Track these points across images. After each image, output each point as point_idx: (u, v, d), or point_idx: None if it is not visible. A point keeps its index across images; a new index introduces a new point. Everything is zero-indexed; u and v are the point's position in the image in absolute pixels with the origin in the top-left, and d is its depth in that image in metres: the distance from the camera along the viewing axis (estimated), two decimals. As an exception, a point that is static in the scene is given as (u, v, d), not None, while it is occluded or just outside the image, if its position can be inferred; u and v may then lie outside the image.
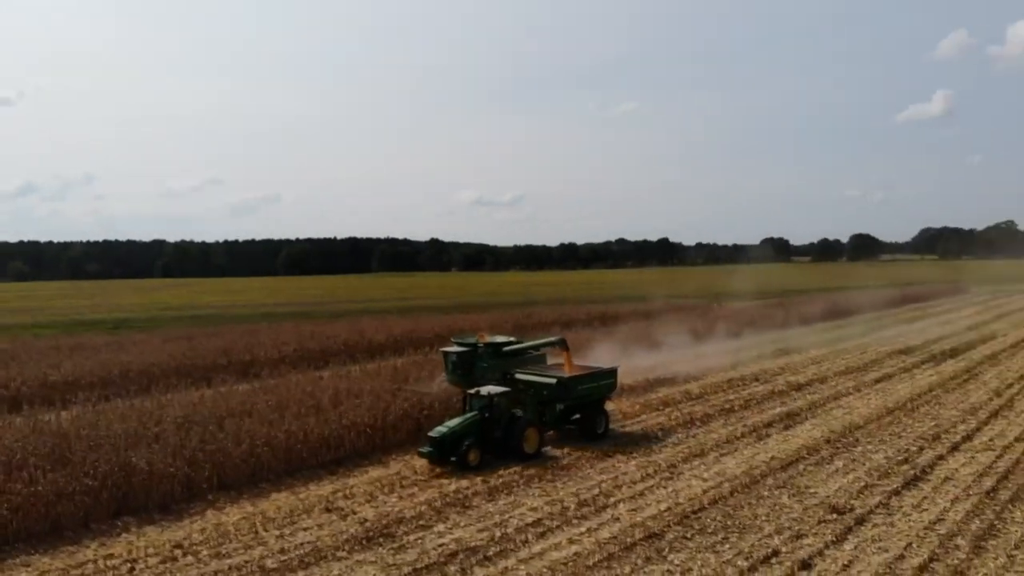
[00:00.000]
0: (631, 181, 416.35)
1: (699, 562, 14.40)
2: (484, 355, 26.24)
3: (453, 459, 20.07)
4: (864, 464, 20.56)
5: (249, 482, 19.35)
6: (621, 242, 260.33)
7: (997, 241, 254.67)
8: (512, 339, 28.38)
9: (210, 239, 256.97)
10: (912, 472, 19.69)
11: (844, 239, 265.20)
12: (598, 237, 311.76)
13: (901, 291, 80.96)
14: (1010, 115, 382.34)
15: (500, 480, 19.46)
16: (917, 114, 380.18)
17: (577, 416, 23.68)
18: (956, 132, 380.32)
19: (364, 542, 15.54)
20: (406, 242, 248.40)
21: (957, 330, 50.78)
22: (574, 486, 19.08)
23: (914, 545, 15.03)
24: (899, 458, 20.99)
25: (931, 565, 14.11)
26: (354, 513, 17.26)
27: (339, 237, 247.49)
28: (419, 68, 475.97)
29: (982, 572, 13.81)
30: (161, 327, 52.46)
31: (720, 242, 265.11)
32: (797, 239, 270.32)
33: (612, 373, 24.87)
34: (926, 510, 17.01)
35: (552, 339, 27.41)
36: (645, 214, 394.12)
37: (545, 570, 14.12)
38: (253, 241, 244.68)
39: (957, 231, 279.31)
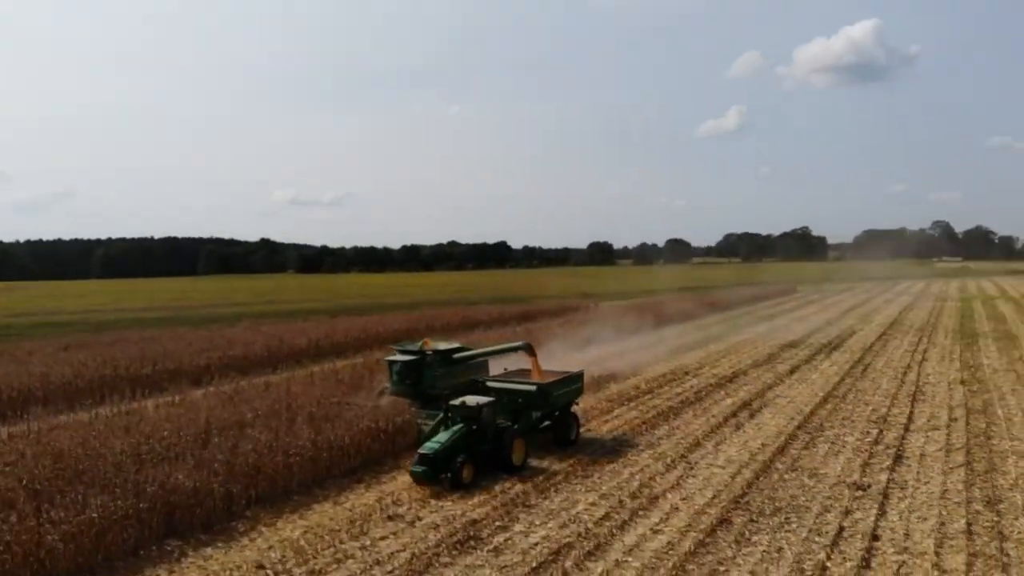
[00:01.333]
0: (459, 184, 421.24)
1: (784, 541, 15.45)
2: (433, 363, 24.54)
3: (444, 476, 18.77)
4: (844, 447, 22.68)
5: (283, 495, 18.20)
6: (453, 244, 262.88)
7: (794, 245, 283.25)
8: (459, 345, 26.99)
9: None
10: (892, 451, 22.03)
11: (651, 243, 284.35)
12: (422, 239, 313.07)
13: (753, 291, 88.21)
14: (795, 130, 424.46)
15: (542, 480, 19.63)
16: (715, 128, 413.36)
17: (547, 423, 22.94)
18: (749, 145, 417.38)
19: (458, 546, 15.23)
20: (234, 242, 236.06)
21: (818, 325, 56.41)
22: (611, 480, 19.62)
23: (945, 512, 17.00)
24: (870, 439, 23.36)
25: (972, 528, 16.05)
26: (419, 519, 16.79)
27: (156, 236, 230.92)
28: (239, 62, 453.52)
29: (1015, 529, 15.93)
30: (30, 335, 46.84)
31: (545, 245, 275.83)
32: (618, 243, 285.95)
33: (580, 377, 24.84)
34: (929, 482, 19.18)
35: (516, 344, 26.47)
36: (473, 217, 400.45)
37: (654, 560, 14.59)
38: (60, 240, 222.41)
39: (755, 236, 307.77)
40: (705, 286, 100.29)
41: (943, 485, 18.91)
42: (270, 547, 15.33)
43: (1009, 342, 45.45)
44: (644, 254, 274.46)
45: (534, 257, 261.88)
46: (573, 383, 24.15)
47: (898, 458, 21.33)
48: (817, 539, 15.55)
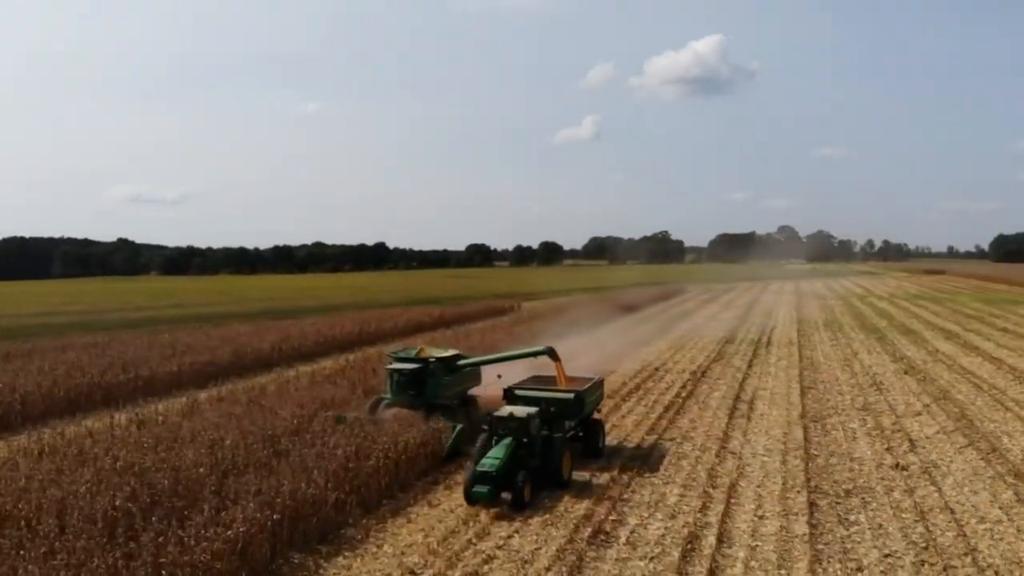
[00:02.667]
0: (321, 183, 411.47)
1: (882, 516, 16.74)
2: (437, 371, 23.44)
3: (505, 496, 17.38)
4: (854, 432, 24.55)
5: (376, 499, 17.62)
6: (319, 245, 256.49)
7: (656, 248, 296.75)
8: (458, 352, 25.89)
9: None
10: (900, 435, 24.09)
11: (526, 245, 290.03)
12: (275, 240, 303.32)
13: (652, 292, 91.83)
14: (647, 139, 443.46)
15: (616, 479, 20.04)
16: (572, 136, 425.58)
17: (579, 433, 21.88)
18: (604, 152, 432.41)
19: (592, 540, 15.44)
20: (89, 242, 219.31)
21: (733, 322, 59.80)
22: (678, 472, 20.33)
23: (992, 485, 18.90)
24: (870, 425, 25.40)
25: (1019, 496, 17.98)
26: (528, 520, 16.83)
27: None
28: (74, 53, 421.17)
29: (1058, 498, 18.00)
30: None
31: (419, 247, 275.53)
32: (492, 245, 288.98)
33: (602, 383, 24.62)
34: (953, 461, 21.19)
35: (538, 348, 25.19)
36: (339, 217, 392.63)
37: (781, 543, 15.41)
38: None
39: (619, 239, 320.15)
40: (605, 287, 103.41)
41: (970, 462, 20.93)
42: (402, 552, 14.93)
43: (915, 336, 50.09)
44: (520, 256, 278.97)
45: (412, 259, 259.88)
46: (597, 389, 23.69)
47: (911, 441, 23.34)
48: (904, 515, 16.92)
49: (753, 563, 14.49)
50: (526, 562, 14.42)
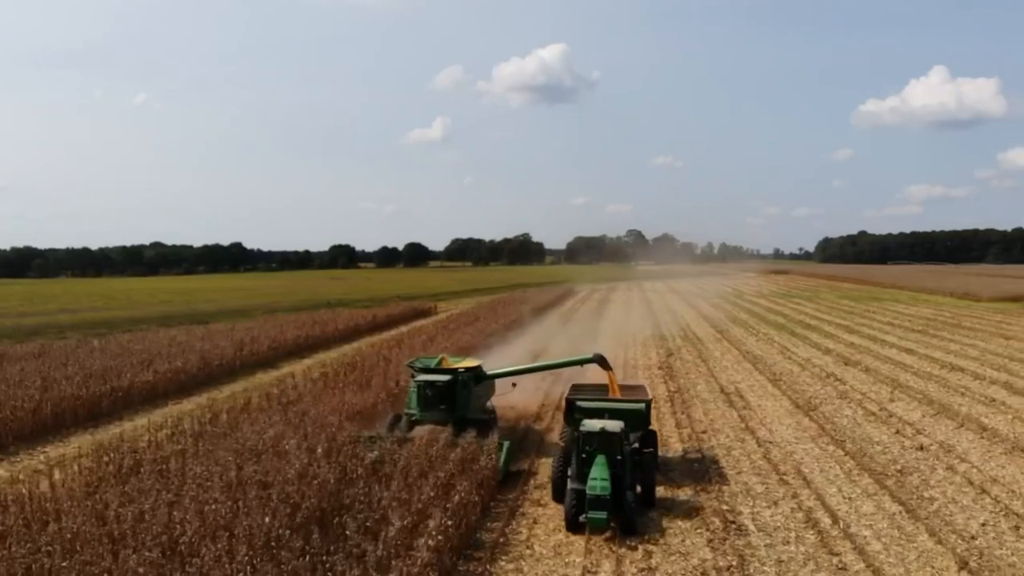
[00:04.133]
0: (160, 179, 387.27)
1: (948, 491, 18.57)
2: (468, 383, 22.17)
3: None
4: (854, 418, 26.74)
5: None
6: (157, 245, 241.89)
7: (518, 250, 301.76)
8: (476, 361, 24.39)
9: None
10: (892, 418, 26.49)
11: (391, 246, 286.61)
12: (105, 240, 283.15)
13: (548, 293, 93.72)
14: (495, 143, 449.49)
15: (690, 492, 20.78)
16: (421, 137, 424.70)
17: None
18: (454, 155, 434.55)
19: (738, 532, 16.14)
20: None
21: (644, 321, 62.20)
22: (745, 463, 21.47)
23: (1013, 454, 21.36)
24: (862, 412, 27.72)
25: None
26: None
27: None
28: None
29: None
30: None
31: (275, 247, 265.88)
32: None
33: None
34: (955, 438, 23.64)
35: (585, 356, 23.97)
36: (185, 216, 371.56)
37: (889, 520, 16.82)
38: None
39: (480, 241, 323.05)
40: (493, 287, 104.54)
41: (972, 441, 23.42)
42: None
43: (818, 330, 54.50)
44: (386, 257, 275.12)
45: (271, 260, 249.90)
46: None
47: (909, 424, 25.74)
48: (965, 488, 18.87)
49: (883, 538, 15.73)
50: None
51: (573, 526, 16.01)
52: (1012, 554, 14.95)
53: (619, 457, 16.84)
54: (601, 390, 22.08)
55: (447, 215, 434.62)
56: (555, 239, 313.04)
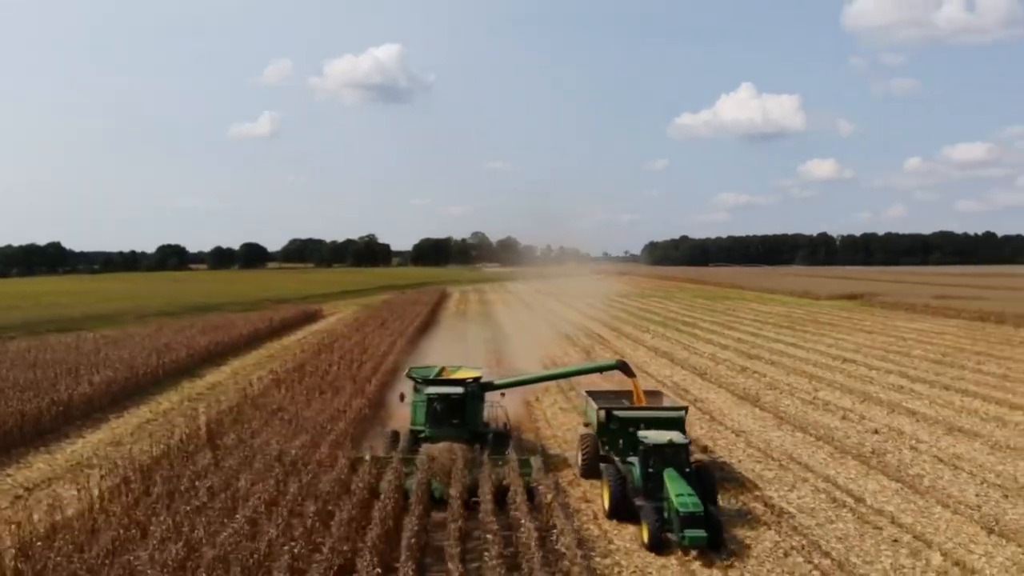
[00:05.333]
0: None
1: (924, 467, 20.84)
2: (477, 395, 21.31)
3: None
4: (798, 405, 29.12)
5: None
6: None
7: (363, 252, 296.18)
8: (477, 371, 23.62)
9: None
10: (825, 405, 29.09)
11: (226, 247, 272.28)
12: None
13: (426, 294, 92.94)
14: (328, 141, 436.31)
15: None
16: (248, 132, 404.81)
17: None
18: (285, 151, 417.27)
19: (773, 518, 17.27)
20: None
21: (544, 321, 63.86)
22: (749, 464, 22.86)
23: (943, 427, 24.25)
24: (802, 400, 30.22)
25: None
26: None
27: None
28: None
29: None
30: None
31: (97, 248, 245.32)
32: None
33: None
34: (898, 422, 26.46)
35: (607, 362, 23.24)
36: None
37: (898, 494, 18.72)
38: None
39: (321, 242, 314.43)
40: (360, 290, 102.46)
41: (912, 424, 26.24)
42: None
43: (695, 327, 58.46)
44: (220, 258, 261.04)
45: (93, 260, 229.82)
46: None
47: (847, 409, 28.42)
48: (939, 465, 21.29)
49: (906, 512, 17.54)
50: None
51: (656, 545, 15.33)
52: (1020, 517, 17.14)
53: (688, 469, 16.58)
54: (619, 396, 21.59)
55: (282, 215, 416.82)
56: (401, 241, 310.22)
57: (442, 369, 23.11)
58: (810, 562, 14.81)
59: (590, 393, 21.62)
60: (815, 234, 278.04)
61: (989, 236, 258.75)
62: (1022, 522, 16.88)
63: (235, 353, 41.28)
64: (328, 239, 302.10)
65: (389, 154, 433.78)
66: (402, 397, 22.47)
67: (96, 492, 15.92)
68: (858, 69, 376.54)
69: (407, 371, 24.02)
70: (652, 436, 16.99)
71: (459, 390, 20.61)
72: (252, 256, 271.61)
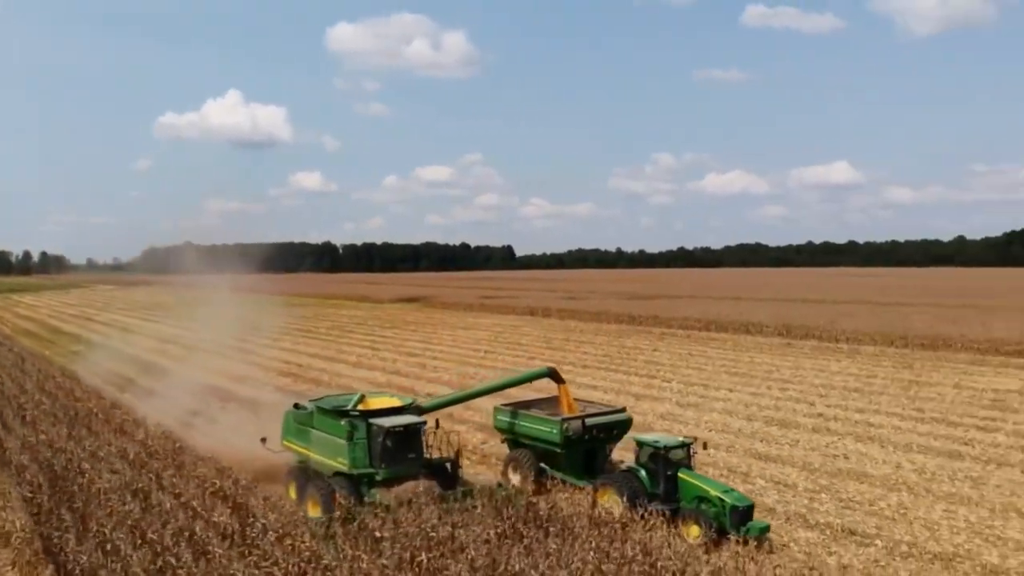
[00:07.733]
0: None
1: (807, 455, 22.50)
2: (425, 422, 19.08)
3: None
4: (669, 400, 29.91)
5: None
6: None
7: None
8: (400, 398, 20.25)
9: None
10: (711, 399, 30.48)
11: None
12: None
13: None
14: None
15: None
16: None
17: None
18: None
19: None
20: None
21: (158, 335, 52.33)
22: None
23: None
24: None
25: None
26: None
27: None
28: None
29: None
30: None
31: None
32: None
33: None
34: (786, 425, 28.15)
35: (538, 371, 21.61)
36: None
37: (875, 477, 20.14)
38: None
39: None
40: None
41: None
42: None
43: (353, 333, 55.54)
44: None
45: None
46: None
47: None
48: (829, 448, 23.33)
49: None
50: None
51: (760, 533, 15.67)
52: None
53: (691, 468, 17.27)
54: (536, 405, 20.71)
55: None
56: None
57: (362, 397, 18.97)
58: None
59: (530, 403, 20.84)
60: (320, 242, 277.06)
61: (465, 247, 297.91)
62: None
63: None
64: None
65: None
66: (264, 440, 19.28)
67: None
68: (342, 90, 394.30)
69: (312, 401, 19.40)
70: (664, 440, 17.38)
71: (414, 420, 18.15)
72: None
